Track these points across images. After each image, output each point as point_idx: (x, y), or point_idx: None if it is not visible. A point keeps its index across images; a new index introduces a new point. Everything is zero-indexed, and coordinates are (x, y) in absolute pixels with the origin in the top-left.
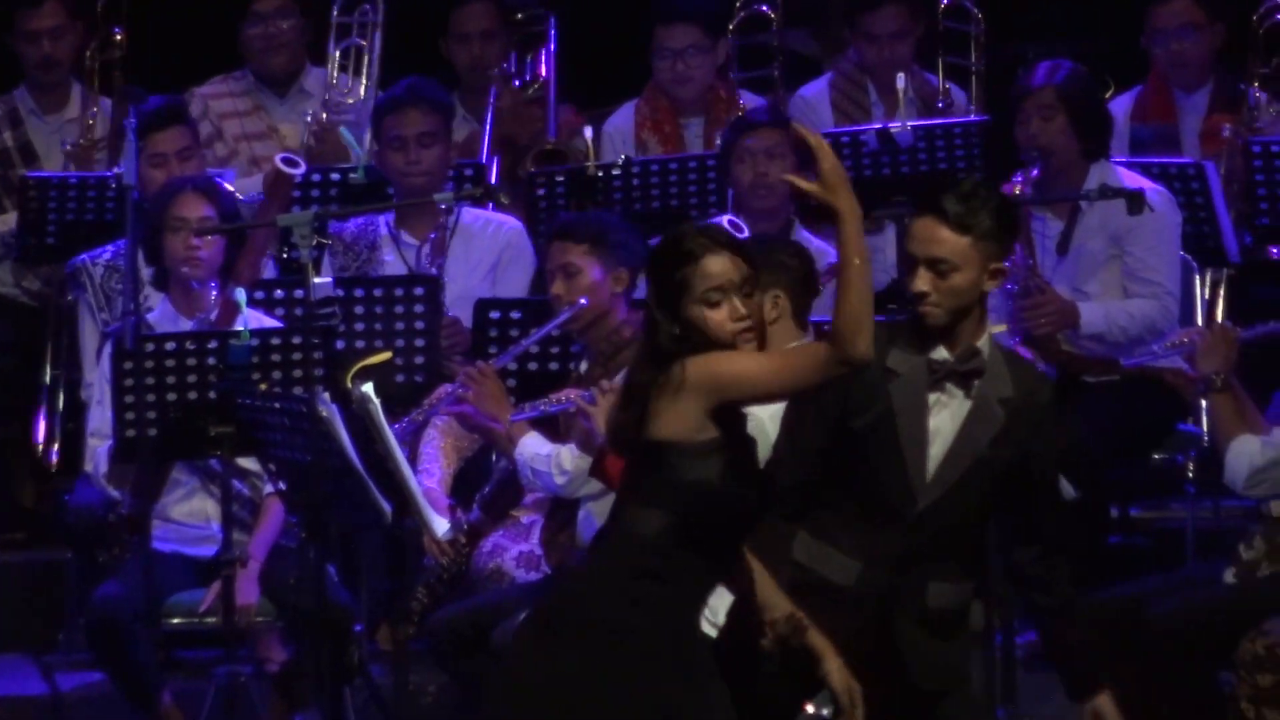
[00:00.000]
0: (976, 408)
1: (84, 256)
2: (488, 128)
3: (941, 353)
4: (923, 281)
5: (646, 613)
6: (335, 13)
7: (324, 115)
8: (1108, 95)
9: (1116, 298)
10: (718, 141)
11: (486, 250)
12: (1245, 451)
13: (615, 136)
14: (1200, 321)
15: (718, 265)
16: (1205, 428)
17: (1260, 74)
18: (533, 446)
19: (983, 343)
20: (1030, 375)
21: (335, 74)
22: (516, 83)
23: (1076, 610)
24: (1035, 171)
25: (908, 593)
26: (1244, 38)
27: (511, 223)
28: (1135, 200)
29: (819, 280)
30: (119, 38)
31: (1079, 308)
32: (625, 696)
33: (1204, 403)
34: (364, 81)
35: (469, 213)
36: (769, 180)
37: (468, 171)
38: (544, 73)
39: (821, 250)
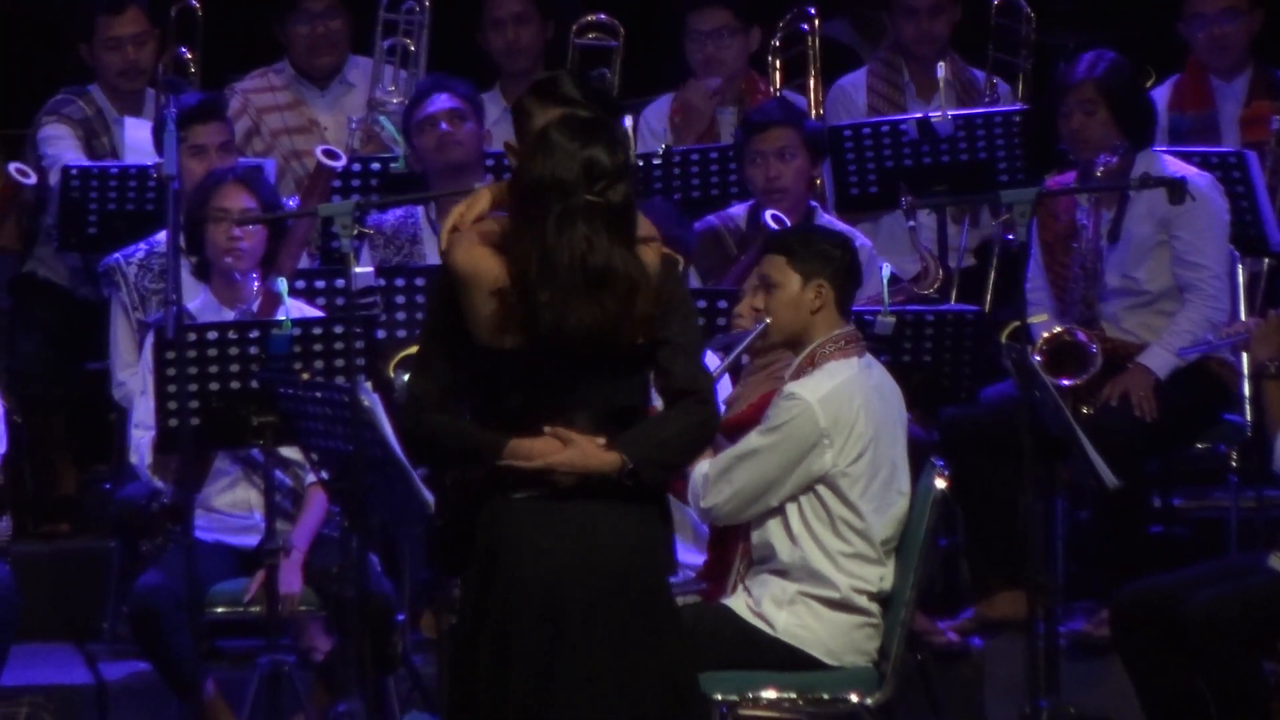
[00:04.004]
0: None
1: (117, 256)
2: None
3: None
4: None
5: None
6: (383, 9)
7: (368, 114)
8: (1149, 84)
9: (1165, 283)
10: None
11: None
12: None
13: (653, 126)
14: (1242, 310)
15: None
16: (1249, 418)
17: None
18: None
19: None
20: None
21: (381, 71)
22: None
23: None
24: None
25: None
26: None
27: None
28: (1176, 189)
29: (861, 270)
30: (189, 56)
31: (1148, 365)
32: None
33: (1248, 392)
34: (411, 79)
35: None
36: (781, 184)
37: (506, 160)
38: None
39: (847, 234)
